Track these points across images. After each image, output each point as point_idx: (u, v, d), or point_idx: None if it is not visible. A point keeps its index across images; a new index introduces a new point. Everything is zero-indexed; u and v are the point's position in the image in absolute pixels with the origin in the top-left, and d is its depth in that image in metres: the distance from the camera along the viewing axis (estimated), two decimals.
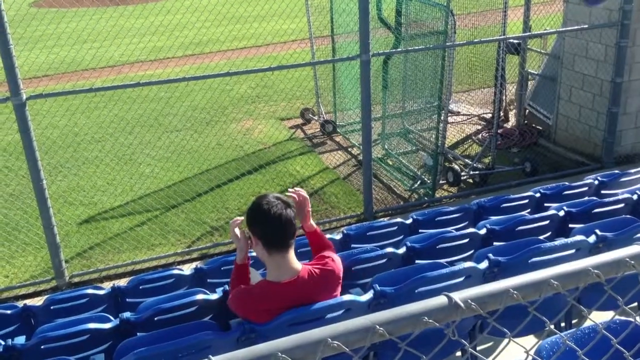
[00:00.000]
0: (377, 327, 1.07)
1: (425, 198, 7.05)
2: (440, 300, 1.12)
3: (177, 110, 9.55)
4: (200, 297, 3.21)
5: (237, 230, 2.97)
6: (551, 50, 8.57)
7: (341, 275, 2.88)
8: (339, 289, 2.86)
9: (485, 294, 1.13)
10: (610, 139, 7.19)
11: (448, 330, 1.12)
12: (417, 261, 3.69)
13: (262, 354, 1.03)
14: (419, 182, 7.30)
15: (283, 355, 1.03)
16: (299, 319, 2.54)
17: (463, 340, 1.15)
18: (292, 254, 2.72)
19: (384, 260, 3.63)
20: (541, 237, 3.52)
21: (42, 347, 2.96)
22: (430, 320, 1.09)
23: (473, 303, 1.11)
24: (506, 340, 3.34)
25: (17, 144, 5.32)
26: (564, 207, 4.11)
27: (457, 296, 1.12)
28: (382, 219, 6.06)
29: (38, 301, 4.70)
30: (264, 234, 2.69)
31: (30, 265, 6.04)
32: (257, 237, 2.70)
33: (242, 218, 3.00)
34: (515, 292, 1.13)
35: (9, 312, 3.72)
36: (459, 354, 3.31)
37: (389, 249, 3.68)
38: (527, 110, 8.80)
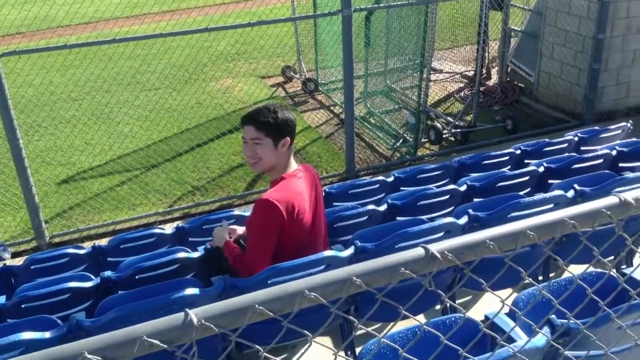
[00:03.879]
0: (354, 278, 1.07)
1: (407, 156, 7.07)
2: (417, 251, 1.13)
3: (155, 67, 9.37)
4: (181, 255, 3.21)
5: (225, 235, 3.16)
6: (534, 6, 8.50)
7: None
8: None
9: (462, 245, 1.13)
10: (591, 95, 7.21)
11: (425, 280, 1.13)
12: (397, 218, 3.72)
13: (240, 306, 1.03)
14: (401, 141, 7.30)
15: (260, 307, 1.03)
16: (279, 274, 2.55)
17: (439, 291, 1.15)
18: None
19: (365, 218, 3.65)
20: (521, 193, 3.55)
21: (22, 306, 2.95)
22: (407, 271, 1.09)
23: (449, 254, 1.12)
24: (484, 293, 3.39)
25: None
26: (544, 163, 4.14)
27: (434, 247, 1.12)
28: (364, 178, 6.08)
29: (18, 262, 4.67)
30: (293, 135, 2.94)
31: (10, 225, 5.98)
32: (291, 140, 2.92)
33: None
34: (491, 242, 1.13)
35: None
36: (438, 307, 3.37)
37: (370, 207, 3.69)
38: (509, 68, 8.79)
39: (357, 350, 3.08)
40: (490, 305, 3.46)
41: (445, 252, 1.11)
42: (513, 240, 1.15)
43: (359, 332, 3.28)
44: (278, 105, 2.98)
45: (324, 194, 4.41)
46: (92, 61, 8.56)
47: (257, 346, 1.12)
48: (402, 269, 1.09)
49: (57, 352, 0.94)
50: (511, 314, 2.09)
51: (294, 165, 2.99)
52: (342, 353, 3.08)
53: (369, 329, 1.22)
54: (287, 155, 2.94)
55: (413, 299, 1.21)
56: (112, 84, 9.12)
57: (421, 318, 3.28)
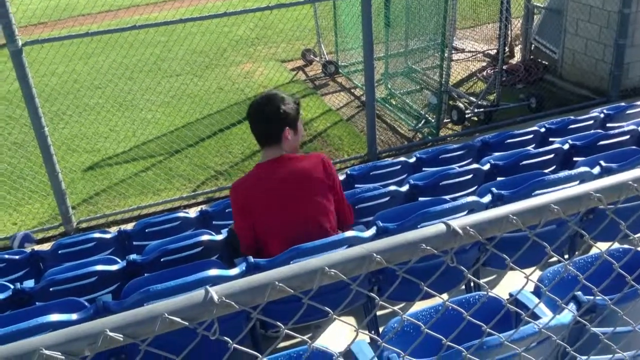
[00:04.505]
0: (374, 255, 1.06)
1: (430, 137, 7.00)
2: (438, 227, 1.11)
3: (176, 54, 9.40)
4: (205, 237, 3.23)
5: None
6: None
7: (331, 165, 3.02)
8: (333, 180, 3.00)
9: (484, 220, 1.12)
10: (617, 71, 7.04)
11: (446, 257, 1.11)
12: (420, 198, 3.69)
13: (260, 283, 1.02)
14: (423, 122, 7.22)
15: (280, 284, 1.03)
16: (301, 255, 2.55)
17: (462, 267, 1.14)
18: (280, 148, 2.93)
19: (387, 199, 3.63)
20: (545, 171, 3.49)
21: (50, 289, 3.00)
22: (428, 247, 1.08)
23: (471, 229, 1.10)
24: (506, 273, 3.33)
25: (17, 92, 5.26)
26: (569, 141, 4.07)
27: (456, 223, 1.11)
28: (386, 159, 6.04)
29: (47, 247, 4.76)
30: (253, 132, 2.95)
31: (38, 212, 6.09)
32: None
33: None
34: (514, 217, 1.11)
35: (17, 257, 3.77)
36: (462, 287, 3.34)
37: (392, 187, 3.67)
38: (533, 45, 8.62)
39: (381, 329, 3.10)
40: (514, 284, 3.42)
41: (467, 227, 1.09)
42: (537, 214, 1.13)
43: (382, 312, 3.29)
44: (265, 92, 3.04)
45: (344, 177, 4.41)
46: (113, 49, 8.62)
47: (279, 323, 1.12)
48: (423, 245, 1.07)
49: (79, 329, 0.95)
50: (536, 292, 2.06)
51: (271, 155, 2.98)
52: (365, 331, 3.09)
53: (394, 307, 1.21)
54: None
55: (434, 275, 1.20)
56: (134, 71, 9.19)
57: (444, 297, 3.27)
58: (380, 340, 1.18)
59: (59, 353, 0.93)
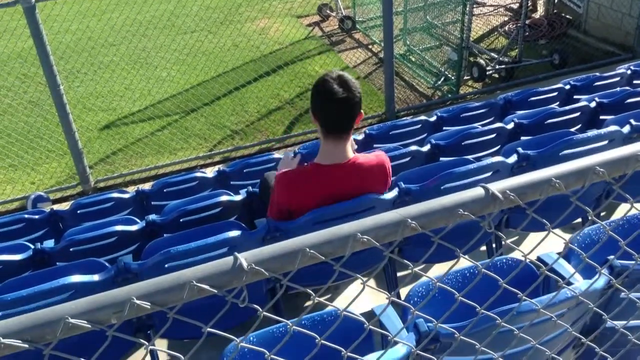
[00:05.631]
0: (409, 220, 1.01)
1: (449, 95, 6.87)
2: (477, 191, 1.05)
3: (190, 10, 9.24)
4: (224, 198, 3.21)
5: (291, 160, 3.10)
6: None
7: (390, 170, 2.76)
8: (387, 184, 2.76)
9: (525, 183, 1.06)
10: None
11: (484, 222, 1.06)
12: (441, 159, 3.62)
13: (291, 250, 0.98)
14: (442, 79, 7.08)
15: (311, 251, 0.98)
16: (324, 217, 2.51)
17: (499, 233, 1.08)
18: (348, 141, 2.62)
19: (408, 159, 3.56)
20: (572, 130, 3.40)
21: (70, 249, 3.01)
22: (466, 213, 1.02)
23: (512, 194, 1.04)
24: (537, 235, 3.27)
25: (32, 49, 5.20)
26: (596, 98, 3.95)
27: (495, 187, 1.05)
28: (404, 118, 5.95)
29: (65, 206, 4.78)
30: (323, 118, 2.56)
31: (55, 171, 6.11)
32: (317, 119, 2.58)
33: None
34: (557, 181, 1.05)
35: (36, 217, 3.78)
36: (483, 248, 3.30)
37: (413, 147, 3.60)
38: None
39: (402, 291, 3.08)
40: (533, 245, 3.38)
41: (507, 191, 1.03)
42: (581, 177, 1.07)
43: (401, 274, 3.27)
44: (327, 78, 2.58)
45: (363, 136, 4.34)
46: (127, 4, 8.48)
47: (309, 290, 1.08)
48: (461, 210, 1.02)
49: (105, 297, 0.92)
50: (566, 256, 2.01)
51: (340, 156, 2.61)
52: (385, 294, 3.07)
53: (417, 270, 1.16)
54: (321, 137, 2.65)
55: (471, 242, 1.15)
56: (147, 28, 9.05)
57: (465, 261, 3.23)
58: (412, 308, 1.14)
59: (85, 321, 0.90)
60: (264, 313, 1.04)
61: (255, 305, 1.00)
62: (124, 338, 0.97)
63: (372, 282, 3.34)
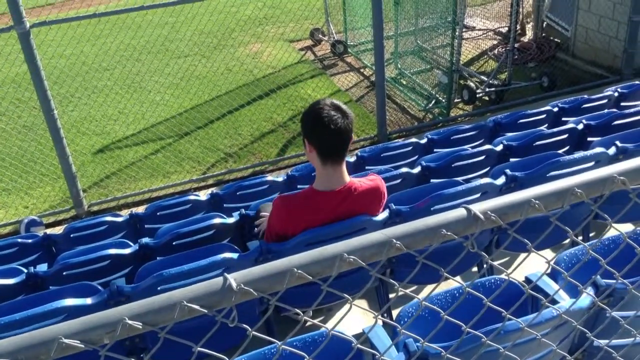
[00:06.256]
0: (394, 240, 1.05)
1: (440, 117, 6.95)
2: (459, 212, 1.09)
3: (184, 35, 9.35)
4: (217, 220, 3.23)
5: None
6: None
7: (385, 193, 2.80)
8: (381, 207, 2.80)
9: (506, 204, 1.09)
10: (631, 49, 6.93)
11: (467, 242, 1.09)
12: (432, 180, 3.66)
13: (279, 270, 1.01)
14: (433, 102, 7.16)
15: (299, 271, 1.01)
16: (316, 239, 2.54)
17: (482, 252, 1.12)
18: (344, 165, 2.67)
19: (399, 181, 3.60)
20: (560, 152, 3.45)
21: (64, 273, 3.02)
22: (449, 233, 1.06)
23: (493, 214, 1.08)
24: (523, 255, 3.31)
25: (26, 74, 5.25)
26: (583, 120, 4.02)
27: (476, 208, 1.09)
28: (396, 140, 6.00)
29: (58, 230, 4.78)
30: (321, 145, 2.60)
31: (49, 195, 6.11)
32: (313, 146, 2.61)
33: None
34: (537, 202, 1.09)
35: (30, 241, 3.78)
36: (474, 269, 3.33)
37: (404, 169, 3.64)
38: (545, 23, 8.49)
39: (394, 312, 3.10)
40: (524, 266, 3.40)
41: (488, 212, 1.07)
42: (559, 198, 1.11)
43: (392, 295, 3.29)
44: (321, 105, 2.63)
45: (355, 159, 4.38)
46: (121, 30, 8.58)
47: (297, 310, 1.11)
48: (444, 230, 1.05)
49: (98, 318, 0.94)
50: (551, 275, 2.04)
51: (337, 181, 2.66)
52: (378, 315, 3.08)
53: (407, 291, 1.20)
54: (313, 161, 2.68)
55: (455, 261, 1.18)
56: (142, 53, 9.15)
57: (459, 280, 3.26)
58: (399, 327, 1.17)
59: (78, 341, 0.92)
60: (257, 334, 1.06)
61: (245, 325, 1.03)
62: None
63: (364, 304, 3.36)
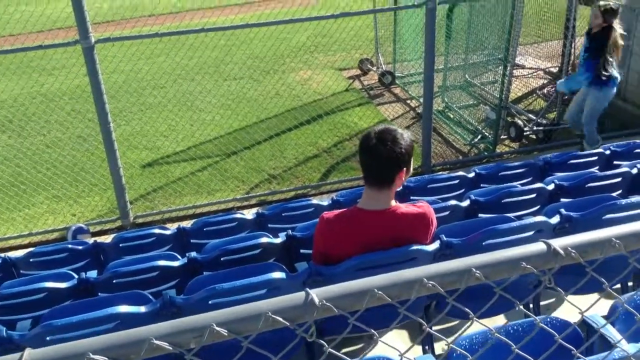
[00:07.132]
0: (473, 270, 1.06)
1: (485, 153, 6.91)
2: (539, 246, 1.10)
3: (237, 58, 9.57)
4: (264, 240, 3.27)
5: None
6: (625, 1, 8.08)
7: (433, 221, 2.77)
8: (430, 235, 2.76)
9: (586, 242, 1.10)
10: None
11: (544, 277, 1.10)
12: (480, 215, 3.64)
13: (360, 289, 1.04)
14: (479, 137, 7.14)
15: (379, 292, 1.04)
16: (367, 264, 2.55)
17: (559, 289, 1.12)
18: (390, 191, 2.64)
19: (447, 212, 3.59)
20: (613, 195, 3.40)
21: (114, 281, 3.09)
22: (528, 266, 1.07)
23: (573, 250, 1.08)
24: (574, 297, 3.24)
25: (84, 88, 5.47)
26: (637, 165, 3.95)
27: (556, 243, 1.10)
28: (441, 173, 5.99)
29: (103, 239, 4.90)
30: (363, 169, 2.65)
31: (97, 205, 6.28)
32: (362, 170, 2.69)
33: None
34: (617, 241, 1.09)
35: (80, 247, 3.89)
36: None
37: (452, 202, 3.63)
38: None
39: (435, 345, 3.06)
40: (571, 308, 3.34)
41: (569, 248, 1.08)
42: None
43: (438, 327, 3.26)
44: (378, 128, 2.64)
45: (400, 188, 4.37)
46: (177, 50, 8.85)
47: (372, 330, 1.12)
48: (523, 263, 1.06)
49: (187, 322, 0.98)
50: (606, 317, 2.01)
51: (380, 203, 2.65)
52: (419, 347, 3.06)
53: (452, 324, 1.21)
54: (366, 188, 2.70)
55: (529, 296, 1.19)
56: (196, 73, 9.40)
57: (501, 318, 3.22)
58: (470, 357, 1.17)
59: (167, 343, 0.96)
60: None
61: (322, 341, 1.05)
62: None
63: (404, 333, 3.34)
